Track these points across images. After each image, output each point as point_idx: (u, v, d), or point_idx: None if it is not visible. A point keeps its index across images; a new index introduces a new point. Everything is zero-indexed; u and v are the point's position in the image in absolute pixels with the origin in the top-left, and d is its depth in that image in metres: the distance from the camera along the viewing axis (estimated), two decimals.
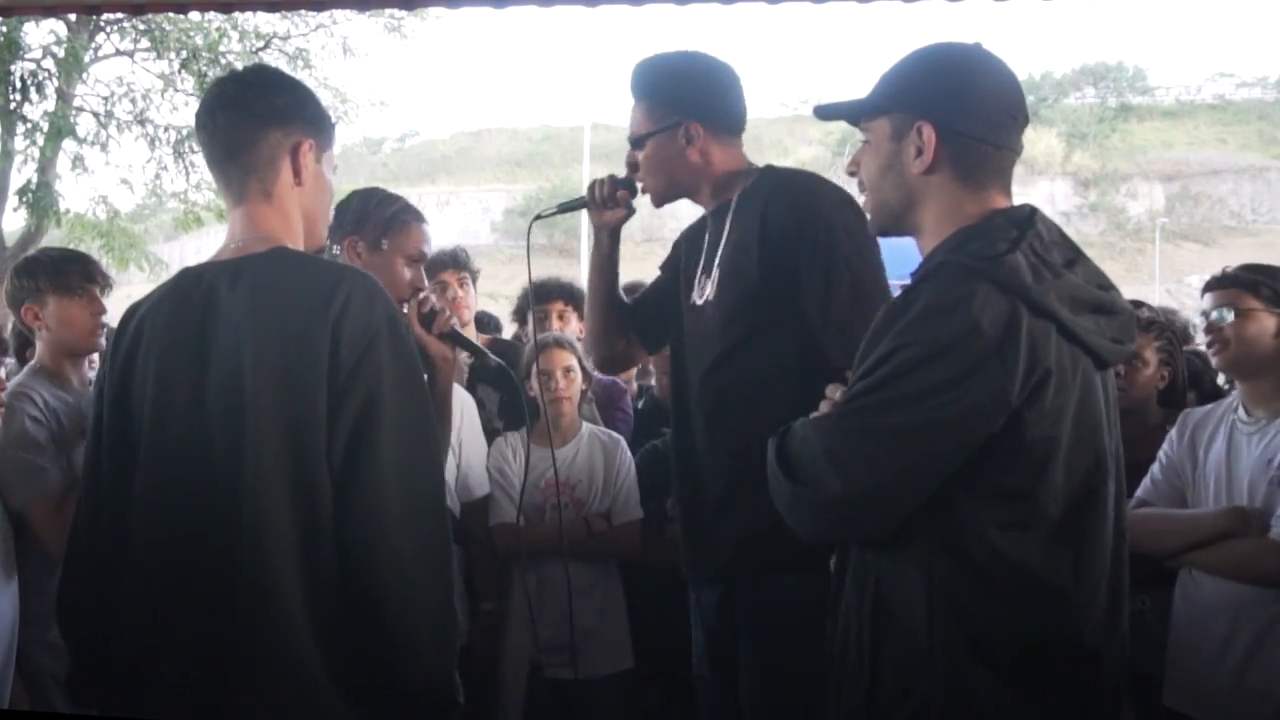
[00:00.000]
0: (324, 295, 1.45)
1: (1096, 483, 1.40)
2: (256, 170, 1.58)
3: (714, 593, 2.10)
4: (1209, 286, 2.25)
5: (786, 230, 1.92)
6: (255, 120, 1.58)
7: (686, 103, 2.05)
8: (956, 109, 1.47)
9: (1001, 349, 1.32)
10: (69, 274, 2.38)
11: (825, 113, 1.63)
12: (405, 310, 2.06)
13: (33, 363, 2.47)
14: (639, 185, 2.15)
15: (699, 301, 2.08)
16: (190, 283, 1.56)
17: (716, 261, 2.04)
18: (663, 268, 2.33)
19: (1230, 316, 2.15)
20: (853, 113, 1.56)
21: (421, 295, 2.13)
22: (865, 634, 1.43)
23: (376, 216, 2.15)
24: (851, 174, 1.59)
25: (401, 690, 1.44)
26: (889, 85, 1.52)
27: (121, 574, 1.52)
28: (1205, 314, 2.22)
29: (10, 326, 2.97)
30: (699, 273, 2.10)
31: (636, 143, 2.11)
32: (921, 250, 1.51)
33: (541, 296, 3.40)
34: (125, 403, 1.54)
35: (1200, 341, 2.75)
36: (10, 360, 4.82)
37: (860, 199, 1.62)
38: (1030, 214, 1.46)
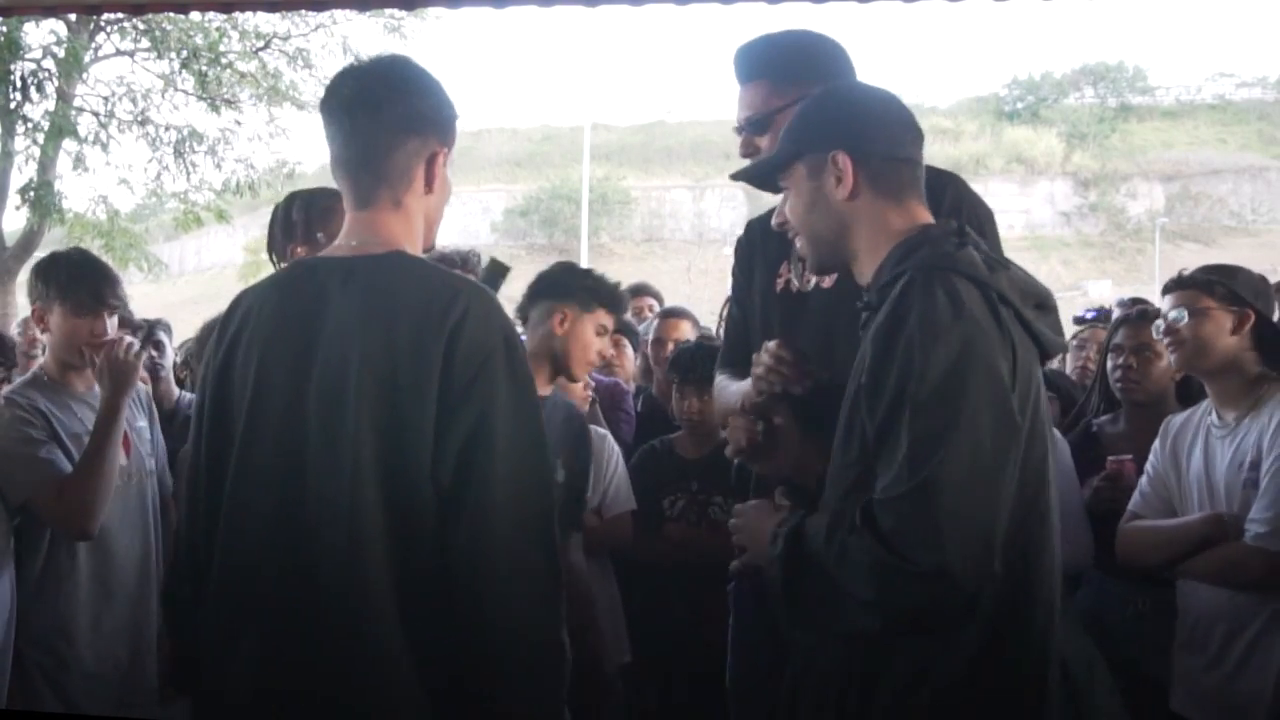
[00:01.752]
0: (441, 305, 1.39)
1: (1045, 468, 1.45)
2: (389, 179, 1.51)
3: (751, 598, 2.03)
4: (1166, 289, 2.27)
5: None
6: (394, 128, 1.50)
7: (819, 75, 1.87)
8: (861, 132, 1.56)
9: (996, 330, 1.38)
10: (79, 291, 2.36)
11: (743, 178, 1.72)
12: None
13: (35, 368, 2.50)
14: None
15: (807, 288, 1.94)
16: (302, 275, 1.52)
17: None
18: (738, 301, 2.15)
19: (1185, 316, 2.17)
20: (767, 170, 1.65)
21: None
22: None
23: (305, 216, 2.21)
24: (781, 226, 1.66)
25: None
26: (791, 134, 1.61)
27: (210, 565, 1.49)
28: (1163, 315, 2.23)
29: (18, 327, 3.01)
30: (794, 258, 1.95)
31: (758, 124, 1.93)
32: (860, 276, 1.57)
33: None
34: (226, 390, 1.50)
35: None
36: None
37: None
38: (960, 225, 1.54)
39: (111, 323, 2.41)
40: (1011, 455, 1.34)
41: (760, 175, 1.69)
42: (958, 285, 1.40)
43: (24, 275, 14.67)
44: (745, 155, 1.95)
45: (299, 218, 2.23)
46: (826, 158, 1.54)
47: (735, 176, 1.75)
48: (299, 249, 2.11)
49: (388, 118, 1.49)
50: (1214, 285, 2.18)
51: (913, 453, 1.30)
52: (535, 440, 1.43)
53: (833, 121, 1.58)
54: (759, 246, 2.06)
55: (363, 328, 1.40)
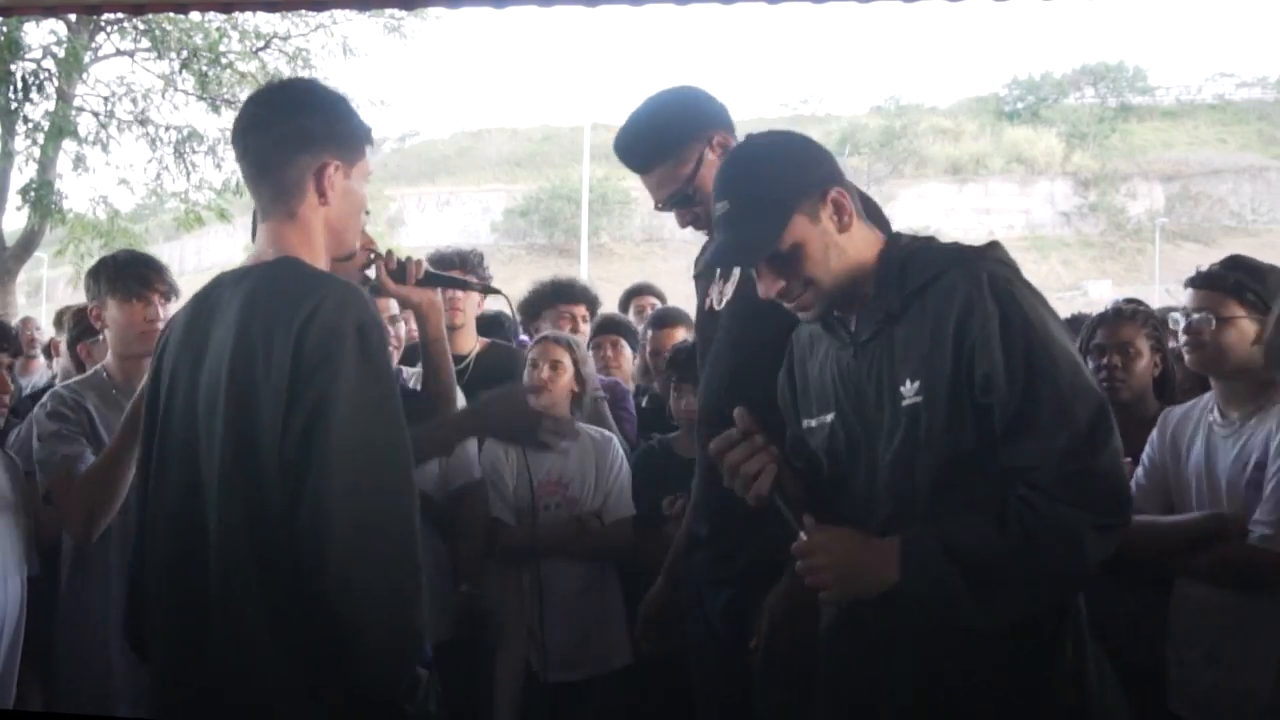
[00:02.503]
0: (296, 302, 1.48)
1: None
2: (282, 193, 1.62)
3: (720, 596, 2.09)
4: (1192, 283, 2.20)
5: None
6: (282, 145, 1.62)
7: (703, 123, 1.98)
8: (825, 165, 1.66)
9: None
10: (127, 278, 2.44)
11: (736, 262, 1.77)
12: (373, 271, 2.06)
13: (96, 366, 2.55)
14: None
15: (717, 307, 2.06)
16: (210, 286, 1.64)
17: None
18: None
19: (1212, 322, 2.11)
20: (768, 240, 1.59)
21: (385, 252, 2.09)
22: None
23: None
24: (793, 301, 1.64)
25: (349, 688, 1.46)
26: (771, 197, 1.60)
27: (141, 570, 1.64)
28: (1186, 312, 2.17)
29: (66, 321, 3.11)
30: (719, 278, 2.06)
31: (683, 199, 1.99)
32: (831, 299, 1.63)
33: (441, 267, 3.32)
34: (154, 403, 1.64)
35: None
36: (43, 359, 4.86)
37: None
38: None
39: (165, 309, 2.45)
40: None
41: (765, 250, 1.60)
42: (997, 269, 1.56)
43: (24, 275, 14.69)
44: (685, 225, 2.04)
45: None
46: (822, 199, 1.60)
47: (718, 263, 1.80)
48: None
49: (275, 137, 1.62)
50: (1244, 290, 2.11)
51: (1071, 426, 1.49)
52: (382, 420, 1.48)
53: (802, 165, 1.64)
54: (702, 269, 2.15)
55: (236, 330, 1.51)
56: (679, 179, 1.97)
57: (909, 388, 1.57)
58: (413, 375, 2.70)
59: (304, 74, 12.37)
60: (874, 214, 1.78)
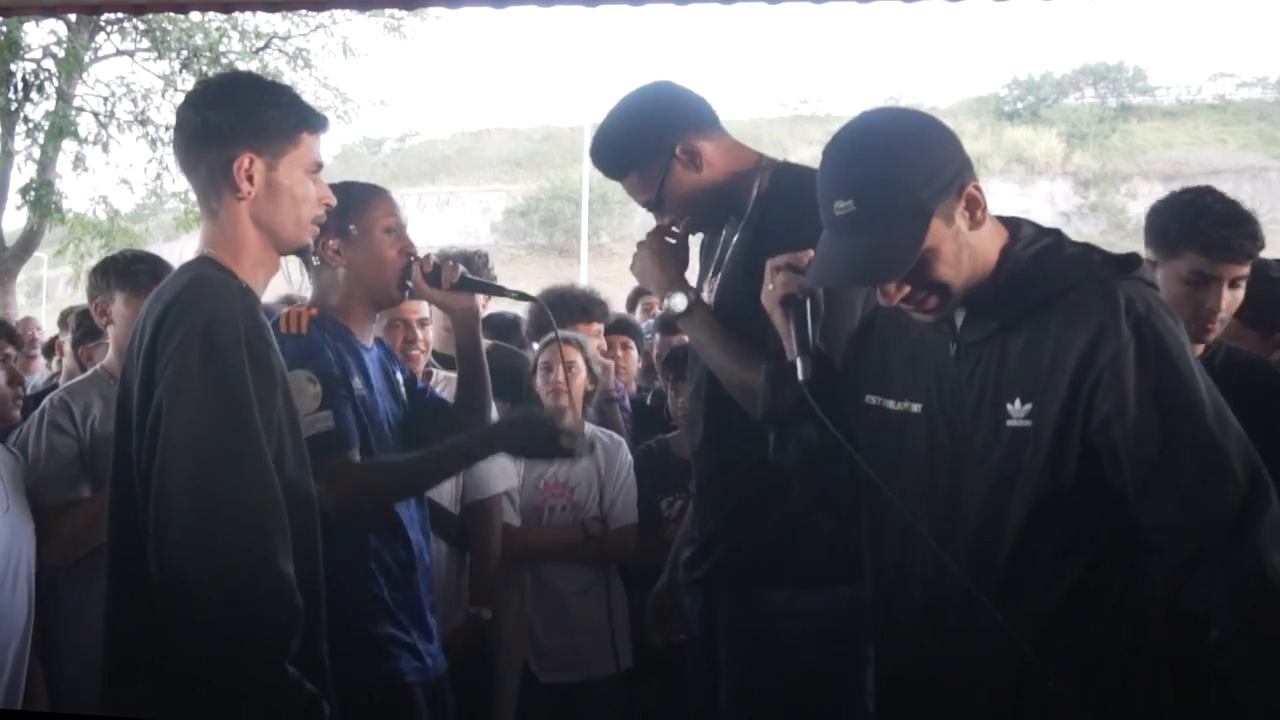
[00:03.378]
0: (164, 303, 1.51)
1: None
2: (201, 191, 1.62)
3: (697, 604, 2.08)
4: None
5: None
6: (193, 144, 1.61)
7: (664, 134, 1.92)
8: (959, 156, 1.47)
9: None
10: (136, 273, 2.47)
11: (884, 279, 1.47)
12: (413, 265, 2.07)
13: (95, 366, 2.56)
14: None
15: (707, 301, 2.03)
16: (156, 290, 1.65)
17: (725, 265, 1.99)
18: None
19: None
20: (909, 253, 1.41)
21: (424, 255, 2.09)
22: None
23: (334, 209, 2.25)
24: (915, 304, 1.48)
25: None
26: (907, 202, 1.41)
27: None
28: None
29: (73, 320, 3.12)
30: (709, 273, 2.05)
31: (660, 204, 1.96)
32: (956, 291, 1.46)
33: (581, 316, 3.40)
34: (121, 404, 1.65)
35: None
36: (42, 359, 4.87)
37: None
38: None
39: None
40: None
41: (902, 260, 1.42)
42: (1136, 288, 1.40)
43: (24, 275, 14.68)
44: (672, 224, 1.99)
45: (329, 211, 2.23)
46: (959, 195, 1.43)
47: (849, 280, 1.59)
48: (332, 242, 2.06)
49: (187, 135, 1.61)
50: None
51: (1226, 478, 1.34)
52: (224, 422, 1.44)
53: (939, 161, 1.44)
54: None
55: (138, 333, 1.55)
56: (648, 189, 1.95)
57: (1018, 408, 1.42)
58: (443, 380, 2.69)
59: (304, 74, 12.39)
60: None
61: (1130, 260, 1.46)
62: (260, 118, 1.59)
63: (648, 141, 1.92)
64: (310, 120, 1.65)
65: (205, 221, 1.64)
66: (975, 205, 1.45)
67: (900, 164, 1.43)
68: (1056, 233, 1.53)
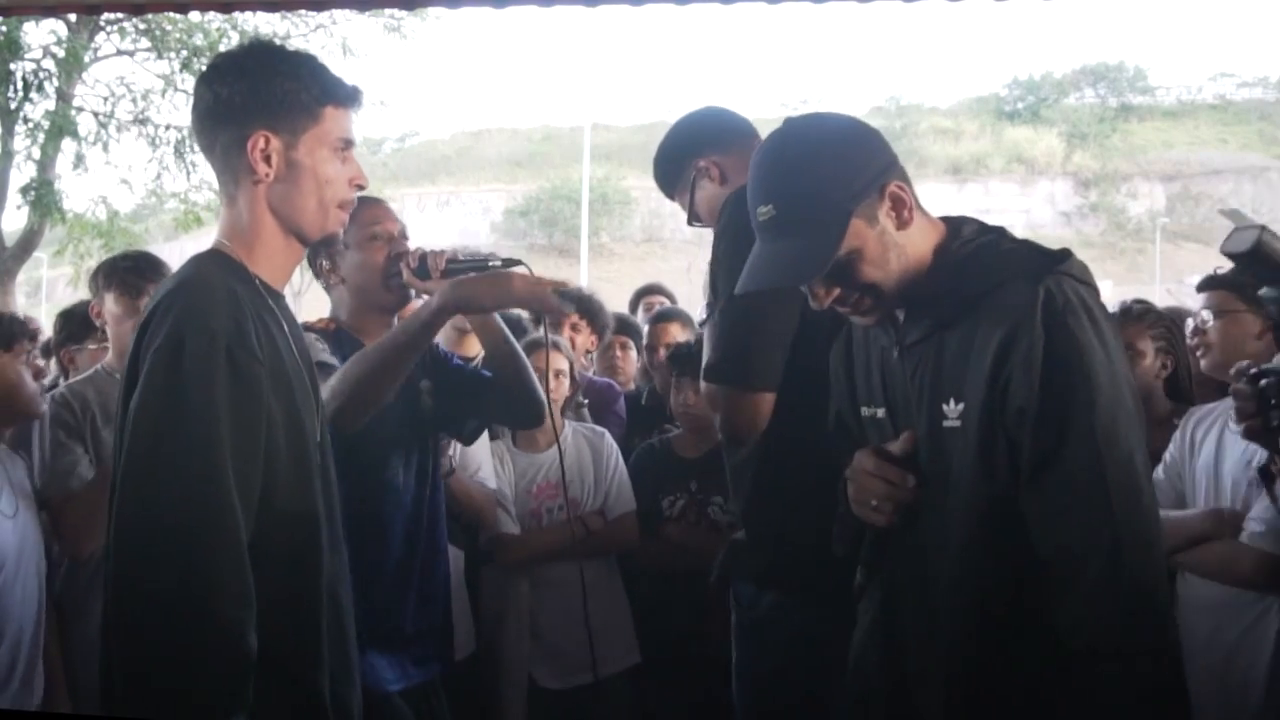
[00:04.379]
0: (152, 304, 1.44)
1: None
2: (220, 176, 1.50)
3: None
4: (1200, 287, 2.23)
5: None
6: (207, 122, 1.48)
7: (685, 158, 2.04)
8: (881, 156, 1.46)
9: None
10: (123, 271, 2.49)
11: (796, 281, 1.46)
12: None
13: (97, 365, 2.58)
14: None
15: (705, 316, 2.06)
16: None
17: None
18: None
19: (1212, 319, 2.12)
20: (825, 254, 1.40)
21: (412, 251, 2.08)
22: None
23: None
24: (849, 307, 1.47)
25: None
26: (824, 203, 1.40)
27: None
28: (1195, 316, 2.20)
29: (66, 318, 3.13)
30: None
31: (694, 217, 2.08)
32: (887, 291, 1.45)
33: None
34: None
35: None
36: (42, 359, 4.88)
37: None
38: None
39: None
40: None
41: (817, 262, 1.41)
42: (1081, 292, 1.37)
43: (23, 275, 14.66)
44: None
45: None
46: (881, 193, 1.42)
47: (765, 282, 1.48)
48: (323, 261, 2.13)
49: (200, 113, 1.48)
50: (1246, 285, 2.06)
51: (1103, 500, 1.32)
52: (183, 435, 1.33)
53: (858, 162, 1.44)
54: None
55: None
56: (683, 203, 2.09)
57: (951, 408, 1.41)
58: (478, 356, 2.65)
59: None
60: None
61: (1059, 255, 1.44)
62: (276, 91, 1.44)
63: (678, 160, 2.07)
64: (335, 93, 1.49)
65: (224, 209, 1.50)
66: (901, 205, 1.44)
67: (817, 167, 1.43)
68: (999, 230, 1.51)
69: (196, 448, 1.33)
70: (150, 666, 1.30)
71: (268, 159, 1.45)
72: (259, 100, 1.44)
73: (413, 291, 2.11)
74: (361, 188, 1.55)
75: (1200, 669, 2.07)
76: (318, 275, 2.18)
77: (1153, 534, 1.34)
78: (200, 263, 1.48)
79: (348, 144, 1.51)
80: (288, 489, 1.42)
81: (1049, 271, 1.39)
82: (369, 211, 2.10)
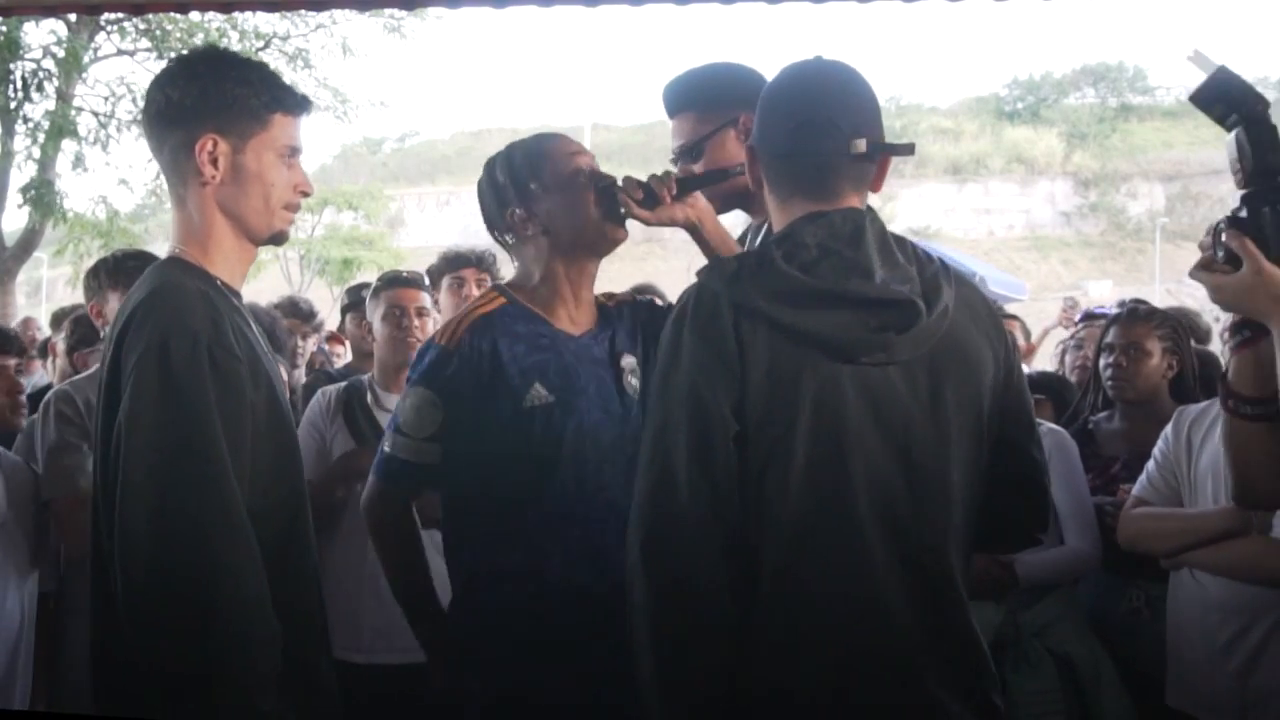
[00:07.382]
0: (126, 313, 1.43)
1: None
2: (169, 178, 1.52)
3: None
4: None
5: None
6: (156, 124, 1.50)
7: (739, 100, 1.84)
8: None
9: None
10: (128, 270, 2.43)
11: (706, 182, 1.75)
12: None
13: (96, 366, 2.53)
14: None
15: None
16: None
17: None
18: None
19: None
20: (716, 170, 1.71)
21: (623, 180, 1.80)
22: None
23: (510, 173, 1.93)
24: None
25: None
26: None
27: None
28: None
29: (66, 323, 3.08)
30: None
31: (691, 152, 1.93)
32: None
33: (456, 264, 3.15)
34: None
35: (1217, 344, 2.72)
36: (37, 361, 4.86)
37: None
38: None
39: None
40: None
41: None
42: (703, 296, 1.39)
43: (23, 275, 14.66)
44: (720, 210, 1.94)
45: (504, 178, 1.89)
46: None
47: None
48: (517, 211, 1.84)
49: (152, 118, 1.50)
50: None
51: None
52: (183, 442, 1.35)
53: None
54: None
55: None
56: (695, 134, 1.93)
57: None
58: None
59: (304, 74, 12.38)
60: None
61: (713, 261, 1.50)
62: (225, 96, 1.47)
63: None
64: (284, 101, 1.52)
65: (175, 212, 1.52)
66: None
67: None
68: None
69: (197, 447, 1.36)
70: (190, 663, 1.33)
71: (215, 161, 1.48)
72: (209, 104, 1.47)
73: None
74: (306, 194, 1.57)
75: (1215, 673, 2.06)
76: (506, 231, 1.88)
77: None
78: (166, 269, 1.50)
79: (294, 151, 1.54)
80: (276, 473, 1.48)
81: (703, 277, 1.43)
82: (563, 143, 1.86)
